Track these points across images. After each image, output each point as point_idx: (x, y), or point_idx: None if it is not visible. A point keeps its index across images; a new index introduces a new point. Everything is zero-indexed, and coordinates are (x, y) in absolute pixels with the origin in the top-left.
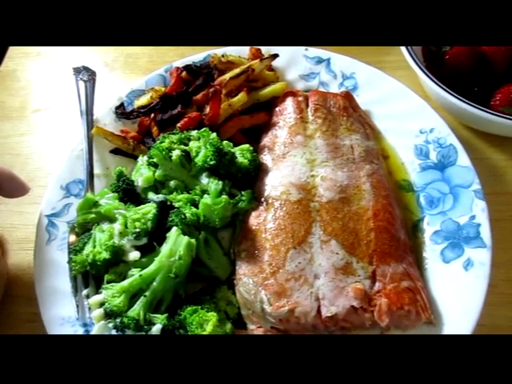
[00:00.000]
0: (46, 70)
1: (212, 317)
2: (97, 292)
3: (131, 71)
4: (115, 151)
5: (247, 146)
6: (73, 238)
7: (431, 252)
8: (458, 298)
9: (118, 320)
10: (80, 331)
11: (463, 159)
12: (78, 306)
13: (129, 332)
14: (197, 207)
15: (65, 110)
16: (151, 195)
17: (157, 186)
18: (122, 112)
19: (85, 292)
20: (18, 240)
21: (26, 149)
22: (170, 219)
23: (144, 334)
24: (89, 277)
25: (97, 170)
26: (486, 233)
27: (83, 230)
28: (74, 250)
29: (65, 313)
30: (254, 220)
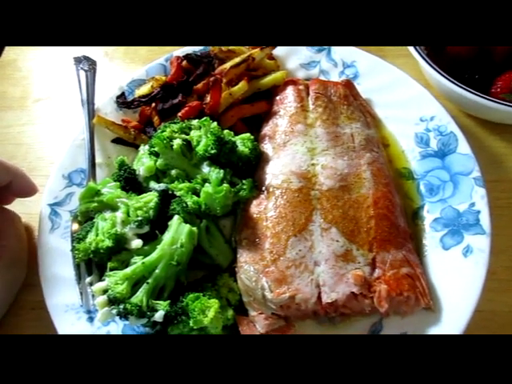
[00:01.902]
0: (46, 59)
1: (214, 303)
2: (100, 279)
3: (131, 61)
4: (116, 140)
5: (248, 134)
6: (75, 226)
7: (431, 239)
8: (457, 284)
9: (122, 306)
10: (84, 318)
11: (463, 147)
12: (81, 293)
13: (132, 318)
14: (198, 196)
15: (66, 100)
16: (153, 184)
17: (158, 175)
18: (122, 101)
19: (88, 279)
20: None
21: (28, 138)
22: (172, 208)
23: (147, 320)
24: (92, 264)
25: (98, 160)
26: (485, 220)
27: (86, 218)
28: (77, 239)
29: (68, 300)
30: (254, 208)
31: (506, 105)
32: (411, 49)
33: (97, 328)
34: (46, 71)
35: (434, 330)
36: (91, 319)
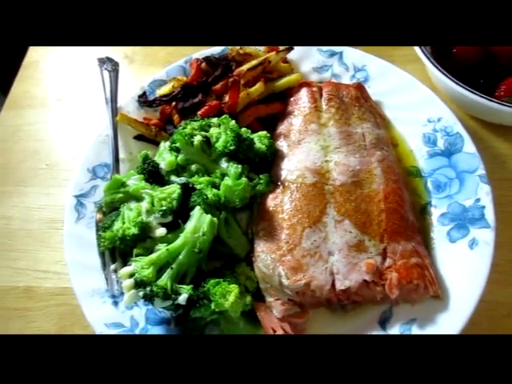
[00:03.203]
0: (67, 61)
1: (234, 288)
2: (123, 267)
3: (150, 63)
4: (138, 137)
5: (265, 132)
6: (100, 216)
7: (438, 232)
8: (463, 275)
9: (148, 289)
10: (109, 302)
11: (469, 146)
12: (106, 279)
13: (157, 301)
14: (217, 189)
15: (86, 99)
16: (173, 178)
17: (178, 169)
18: (144, 100)
19: (113, 266)
20: (46, 219)
21: (50, 135)
22: (193, 200)
23: (171, 302)
24: (115, 253)
25: (121, 155)
26: (490, 214)
27: (110, 209)
28: (103, 227)
29: (94, 285)
30: (271, 201)
31: (509, 106)
32: (419, 53)
33: (121, 312)
34: (67, 72)
35: (441, 318)
36: (116, 303)
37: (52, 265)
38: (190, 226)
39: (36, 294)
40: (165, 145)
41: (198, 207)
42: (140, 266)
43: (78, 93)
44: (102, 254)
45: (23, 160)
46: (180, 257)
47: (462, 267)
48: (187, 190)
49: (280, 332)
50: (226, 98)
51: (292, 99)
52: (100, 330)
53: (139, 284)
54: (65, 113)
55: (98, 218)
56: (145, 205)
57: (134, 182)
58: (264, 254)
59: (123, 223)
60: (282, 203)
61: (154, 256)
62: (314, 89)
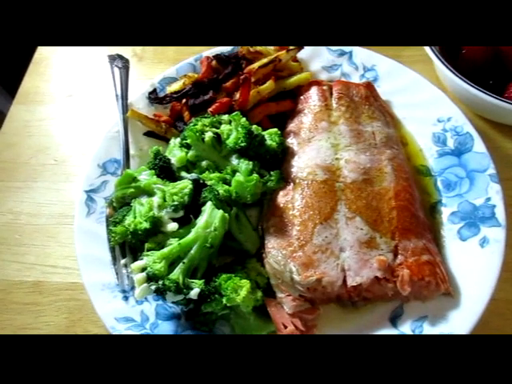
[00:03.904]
0: (77, 57)
1: (245, 283)
2: (133, 262)
3: (159, 61)
4: (148, 133)
5: (275, 129)
6: (110, 211)
7: (448, 231)
8: (474, 272)
9: (160, 283)
10: (119, 296)
11: (479, 146)
12: (117, 274)
13: (169, 295)
14: (228, 185)
15: (95, 96)
16: (184, 174)
17: (188, 166)
18: (155, 97)
19: (123, 261)
20: (55, 215)
21: (60, 131)
22: (204, 196)
23: (183, 297)
24: (125, 247)
25: (131, 151)
26: (500, 213)
27: (120, 204)
28: (114, 222)
29: (104, 279)
30: (282, 198)
31: None
32: (429, 53)
33: (131, 306)
34: (78, 68)
35: (452, 315)
36: (126, 298)
37: (61, 260)
38: (201, 221)
39: (45, 288)
40: (175, 141)
41: (209, 202)
42: (152, 260)
43: (88, 89)
44: (112, 249)
45: (32, 155)
46: (192, 251)
47: (473, 265)
48: (198, 185)
49: (291, 327)
50: (237, 96)
51: (302, 97)
52: (110, 324)
53: (151, 278)
54: (74, 109)
55: (109, 213)
56: (156, 199)
57: (146, 177)
58: (275, 250)
59: (135, 218)
60: (293, 200)
61: (165, 250)
62: (325, 87)
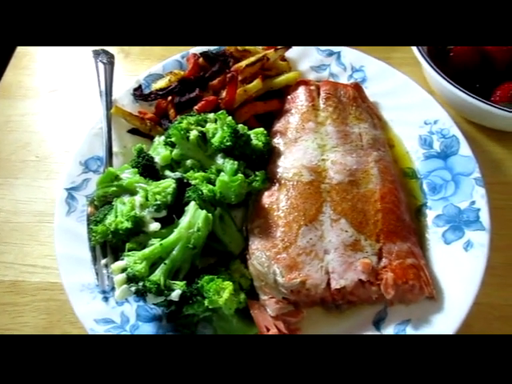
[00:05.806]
0: (61, 52)
1: (228, 285)
2: (114, 262)
3: (146, 57)
4: (132, 131)
5: (261, 129)
6: (91, 210)
7: (433, 234)
8: (458, 276)
9: (141, 284)
10: (99, 297)
11: (465, 149)
12: (97, 274)
13: (150, 296)
14: (212, 185)
15: (79, 92)
16: (168, 173)
17: (172, 164)
18: (140, 94)
19: (103, 261)
20: (36, 213)
21: (42, 127)
22: (187, 195)
23: (164, 299)
24: (106, 247)
25: (114, 149)
26: (485, 217)
27: (102, 203)
28: (95, 221)
29: (84, 280)
30: (267, 199)
31: (505, 110)
32: (417, 54)
33: (111, 307)
34: (61, 63)
35: (435, 319)
36: (106, 299)
37: (40, 259)
38: (184, 221)
39: (23, 288)
40: (159, 139)
41: (192, 202)
42: (133, 260)
43: (71, 84)
44: (92, 249)
45: (13, 151)
46: (174, 252)
47: (457, 269)
48: (182, 185)
49: (274, 330)
50: (223, 94)
51: (290, 97)
52: (89, 325)
53: (131, 279)
54: (58, 104)
55: (90, 212)
56: (139, 199)
57: (128, 175)
58: (259, 251)
59: (116, 217)
60: (278, 201)
61: (147, 251)
62: (312, 87)
